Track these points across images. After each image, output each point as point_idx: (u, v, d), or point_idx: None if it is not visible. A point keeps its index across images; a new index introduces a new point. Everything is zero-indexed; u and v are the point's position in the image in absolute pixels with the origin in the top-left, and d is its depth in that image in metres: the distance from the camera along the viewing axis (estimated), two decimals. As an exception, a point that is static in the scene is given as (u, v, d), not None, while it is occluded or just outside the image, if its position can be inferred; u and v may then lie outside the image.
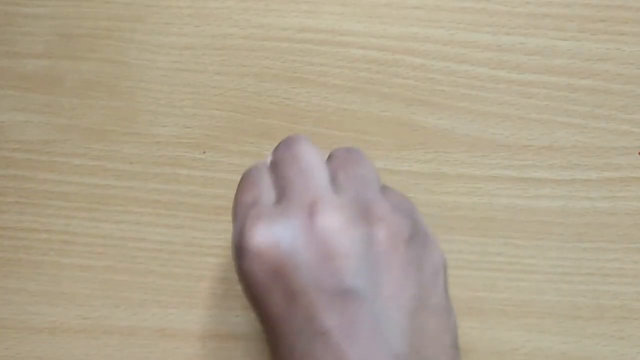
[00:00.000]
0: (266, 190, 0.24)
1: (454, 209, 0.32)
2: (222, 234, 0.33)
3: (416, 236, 0.23)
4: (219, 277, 0.33)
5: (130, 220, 0.33)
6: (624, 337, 0.32)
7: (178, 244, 0.33)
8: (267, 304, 0.22)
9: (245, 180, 0.25)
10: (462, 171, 0.32)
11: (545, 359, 0.32)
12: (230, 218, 0.33)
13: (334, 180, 0.24)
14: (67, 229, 0.33)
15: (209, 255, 0.33)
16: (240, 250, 0.22)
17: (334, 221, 0.22)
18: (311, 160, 0.24)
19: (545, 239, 0.32)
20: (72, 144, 0.33)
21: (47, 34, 0.33)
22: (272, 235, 0.22)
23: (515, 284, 0.32)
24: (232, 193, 0.33)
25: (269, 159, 0.26)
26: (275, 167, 0.25)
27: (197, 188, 0.33)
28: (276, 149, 0.26)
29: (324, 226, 0.21)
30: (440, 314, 0.23)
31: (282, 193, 0.23)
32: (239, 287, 0.32)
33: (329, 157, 0.26)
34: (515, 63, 0.32)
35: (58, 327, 0.33)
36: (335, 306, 0.21)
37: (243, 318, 0.32)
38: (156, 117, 0.33)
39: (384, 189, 0.25)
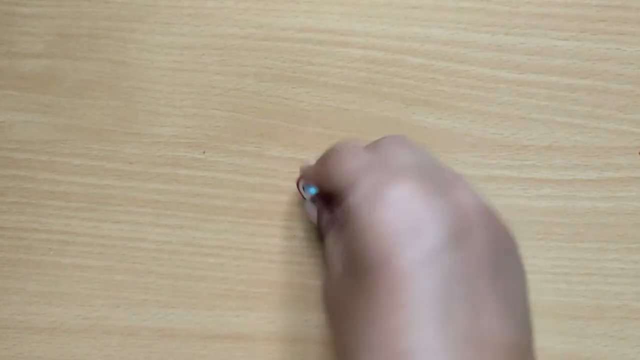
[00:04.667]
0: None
1: (454, 209, 0.32)
2: (222, 234, 0.33)
3: (491, 208, 0.24)
4: (219, 277, 0.33)
5: (130, 220, 0.33)
6: (624, 337, 0.32)
7: (178, 244, 0.33)
8: (399, 257, 0.21)
9: (340, 151, 0.26)
10: (462, 171, 0.32)
11: (545, 359, 0.32)
12: (229, 218, 0.33)
13: None
14: (67, 229, 0.33)
15: (209, 255, 0.33)
16: (382, 197, 0.22)
17: (467, 194, 0.23)
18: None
19: (545, 239, 0.32)
20: (72, 144, 0.33)
21: (47, 34, 0.33)
22: (417, 188, 0.22)
23: (515, 284, 0.32)
24: (232, 193, 0.33)
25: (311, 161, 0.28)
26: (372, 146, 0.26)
27: (197, 188, 0.33)
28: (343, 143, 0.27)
29: (460, 198, 0.23)
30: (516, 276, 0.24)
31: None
32: (239, 287, 0.32)
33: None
34: (515, 63, 0.32)
35: (58, 327, 0.33)
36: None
37: (243, 318, 0.32)
38: (156, 117, 0.33)
39: None
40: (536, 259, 0.32)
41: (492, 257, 0.22)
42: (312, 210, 0.30)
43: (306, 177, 0.29)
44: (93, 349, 0.33)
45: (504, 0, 0.32)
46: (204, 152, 0.33)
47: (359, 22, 0.33)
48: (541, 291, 0.32)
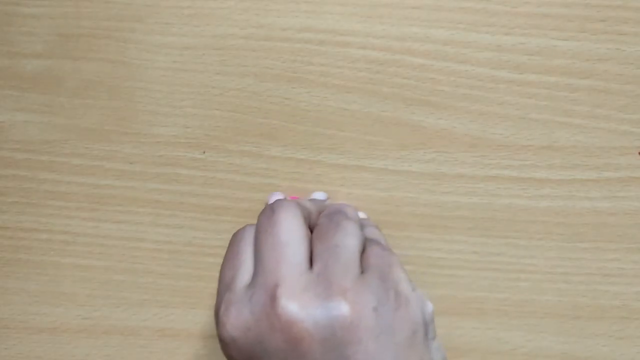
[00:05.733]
0: (247, 261, 0.24)
1: (454, 209, 0.32)
2: (222, 234, 0.33)
3: (385, 300, 0.22)
4: (219, 277, 0.33)
5: (130, 220, 0.33)
6: (624, 337, 0.32)
7: (178, 244, 0.33)
8: None
9: (231, 248, 0.25)
10: (462, 171, 0.32)
11: (545, 359, 0.32)
12: (229, 218, 0.33)
13: (313, 251, 0.24)
14: (67, 229, 0.33)
15: (209, 255, 0.33)
16: (218, 336, 0.23)
17: (294, 306, 0.22)
18: (287, 234, 0.24)
19: (545, 239, 0.32)
20: (72, 144, 0.33)
21: (47, 34, 0.33)
22: (241, 323, 0.22)
23: (515, 284, 0.32)
24: (232, 193, 0.33)
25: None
26: (256, 234, 0.25)
27: (197, 188, 0.33)
28: (261, 213, 0.25)
29: (285, 312, 0.22)
30: None
31: (256, 270, 0.24)
32: (239, 287, 0.32)
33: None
34: (515, 63, 0.32)
35: (58, 327, 0.33)
36: None
37: (243, 318, 0.32)
38: (156, 117, 0.33)
39: (368, 245, 0.25)
40: (536, 259, 0.32)
41: None
42: None
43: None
44: (93, 349, 0.33)
45: (504, 0, 0.32)
46: (204, 152, 0.33)
47: (359, 22, 0.33)
48: (541, 291, 0.32)
